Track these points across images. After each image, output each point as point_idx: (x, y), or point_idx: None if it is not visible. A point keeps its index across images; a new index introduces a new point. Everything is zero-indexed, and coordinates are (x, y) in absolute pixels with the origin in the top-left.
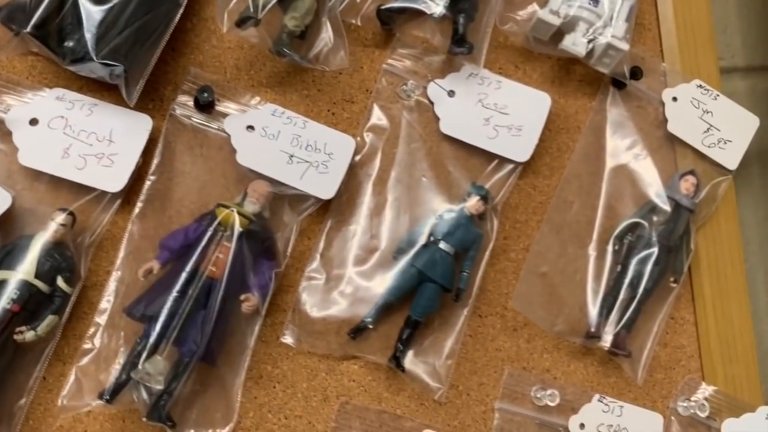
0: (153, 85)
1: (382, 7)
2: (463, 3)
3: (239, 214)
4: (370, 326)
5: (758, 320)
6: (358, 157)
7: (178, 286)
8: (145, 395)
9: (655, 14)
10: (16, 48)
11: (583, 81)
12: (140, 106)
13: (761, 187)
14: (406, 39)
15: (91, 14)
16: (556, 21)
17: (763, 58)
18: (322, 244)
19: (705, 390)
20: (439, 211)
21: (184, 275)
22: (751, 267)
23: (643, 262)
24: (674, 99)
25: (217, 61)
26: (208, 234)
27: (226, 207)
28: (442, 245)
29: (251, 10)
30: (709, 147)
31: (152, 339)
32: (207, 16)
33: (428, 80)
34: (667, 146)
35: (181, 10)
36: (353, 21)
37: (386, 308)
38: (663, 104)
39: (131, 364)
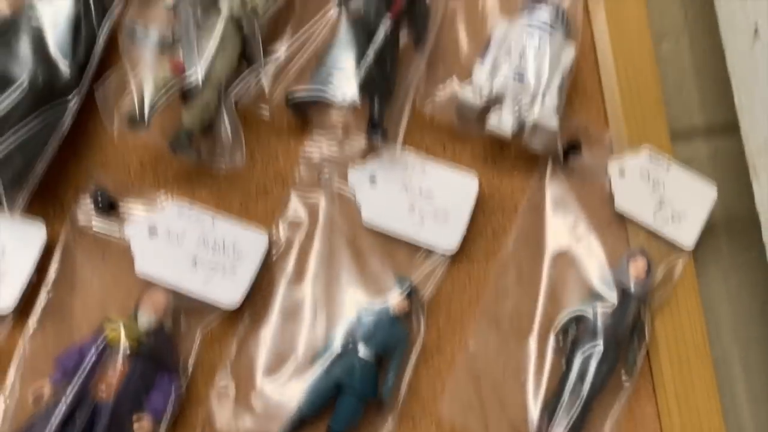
0: (53, 191)
1: (291, 99)
2: (376, 86)
3: (126, 330)
4: None
5: (737, 409)
6: (274, 252)
7: (58, 412)
8: None
9: (598, 79)
10: None
11: (519, 157)
12: (40, 214)
13: (731, 256)
14: (323, 124)
15: None
16: (478, 101)
17: (726, 115)
18: (233, 352)
19: None
20: (360, 310)
21: (65, 400)
22: (725, 351)
23: (589, 358)
24: (621, 172)
25: (122, 160)
26: (93, 353)
27: (114, 322)
28: (362, 351)
29: (137, 114)
30: (663, 224)
31: None
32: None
33: (348, 166)
34: (617, 224)
35: (70, 113)
36: (264, 114)
37: (301, 422)
38: (610, 178)
39: None
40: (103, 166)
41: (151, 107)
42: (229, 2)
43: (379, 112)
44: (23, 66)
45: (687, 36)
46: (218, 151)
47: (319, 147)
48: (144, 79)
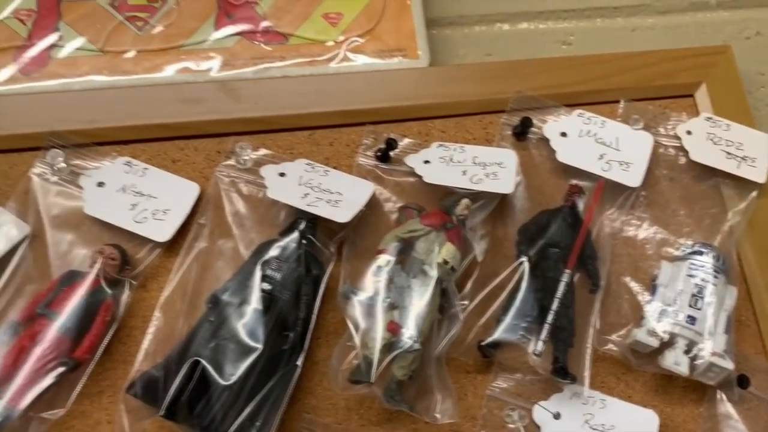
0: None
1: (483, 343)
2: (561, 332)
3: None
4: None
5: None
6: None
7: None
8: None
9: (752, 309)
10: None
11: (687, 387)
12: None
13: None
14: (507, 363)
15: (217, 389)
16: (655, 343)
17: None
18: None
19: None
20: None
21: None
22: None
23: None
24: None
25: (330, 402)
26: None
27: None
28: None
29: (364, 372)
30: None
31: None
32: (318, 359)
33: (532, 403)
34: None
35: (298, 372)
36: (458, 358)
37: None
38: None
39: None
40: (313, 409)
41: (376, 366)
42: (437, 267)
43: (564, 355)
44: (258, 332)
45: None
46: (431, 406)
47: (504, 384)
48: (366, 340)
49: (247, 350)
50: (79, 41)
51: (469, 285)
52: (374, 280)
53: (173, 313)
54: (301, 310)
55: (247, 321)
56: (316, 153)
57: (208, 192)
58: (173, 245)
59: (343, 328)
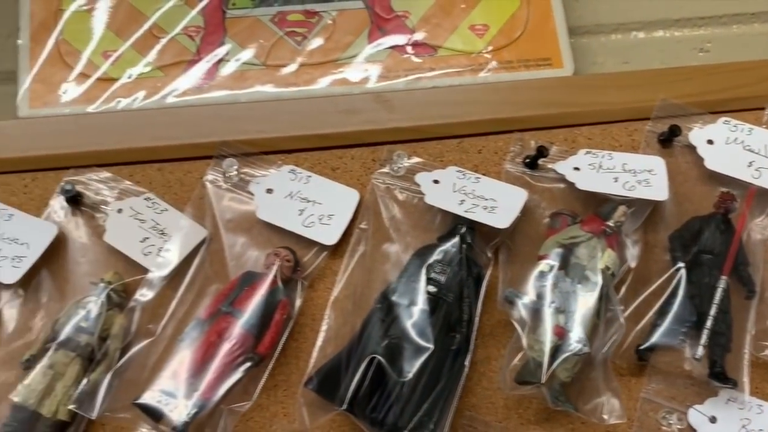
0: None
1: (642, 347)
2: (720, 337)
3: None
4: None
5: None
6: None
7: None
8: None
9: None
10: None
11: None
12: None
13: None
14: (660, 367)
15: (393, 385)
16: None
17: None
18: None
19: None
20: None
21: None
22: None
23: None
24: None
25: (489, 401)
26: None
27: None
28: None
29: (533, 373)
30: None
31: None
32: (477, 360)
33: (687, 406)
34: None
35: (466, 371)
36: (614, 361)
37: None
38: None
39: None
40: (473, 407)
41: (546, 368)
42: (600, 273)
43: (722, 360)
44: (428, 332)
45: None
46: (598, 407)
47: (658, 386)
48: (532, 342)
49: (419, 349)
50: (244, 55)
51: (623, 290)
52: (538, 284)
53: (342, 312)
54: (465, 311)
55: (416, 321)
56: (465, 160)
57: (366, 198)
58: (336, 248)
59: (499, 330)
